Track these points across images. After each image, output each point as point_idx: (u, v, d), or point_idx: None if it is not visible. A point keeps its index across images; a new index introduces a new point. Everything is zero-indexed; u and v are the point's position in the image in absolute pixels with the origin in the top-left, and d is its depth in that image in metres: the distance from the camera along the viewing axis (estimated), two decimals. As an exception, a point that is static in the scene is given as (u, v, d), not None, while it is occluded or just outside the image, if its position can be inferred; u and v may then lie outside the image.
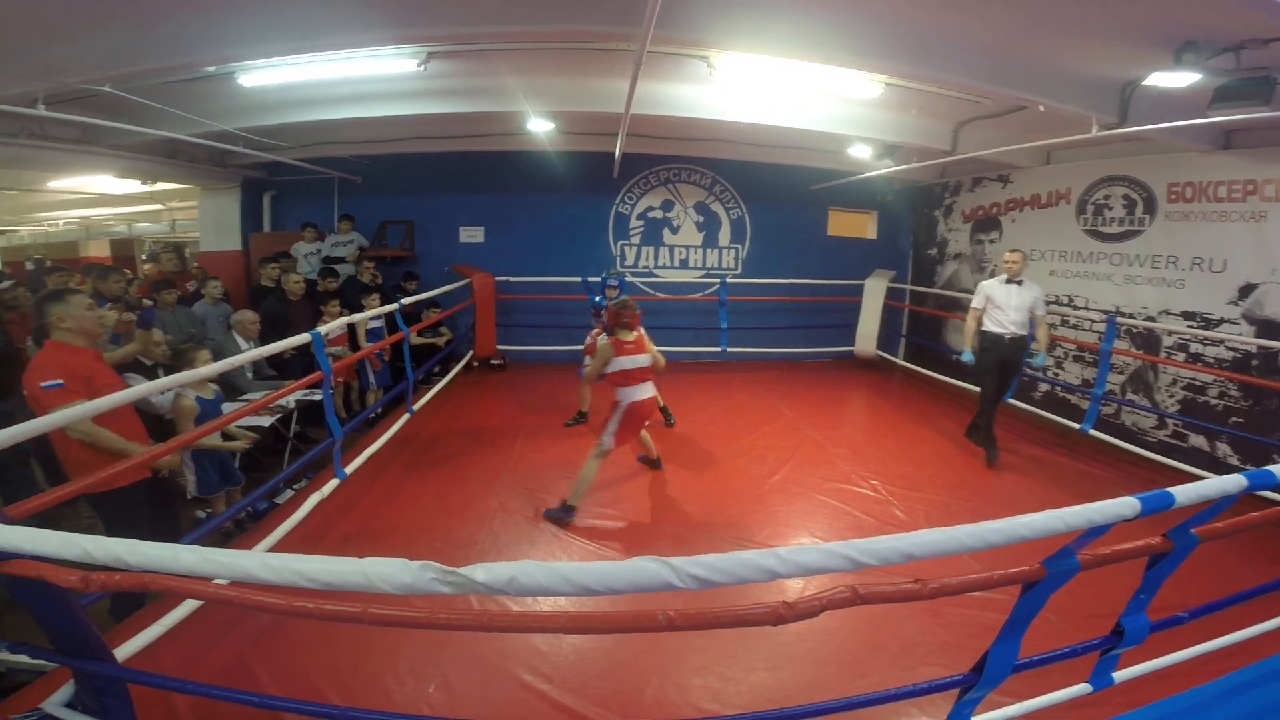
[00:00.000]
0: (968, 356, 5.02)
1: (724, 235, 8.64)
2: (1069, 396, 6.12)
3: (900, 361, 8.51)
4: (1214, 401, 4.85)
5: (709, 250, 8.64)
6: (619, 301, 4.20)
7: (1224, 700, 2.22)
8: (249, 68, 4.45)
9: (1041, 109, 4.21)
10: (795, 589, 2.90)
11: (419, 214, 8.03)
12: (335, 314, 5.27)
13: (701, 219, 8.55)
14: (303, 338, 3.69)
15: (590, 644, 2.67)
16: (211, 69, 4.37)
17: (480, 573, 1.22)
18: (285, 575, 1.26)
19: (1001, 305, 4.81)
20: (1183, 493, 1.56)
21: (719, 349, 8.02)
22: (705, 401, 6.38)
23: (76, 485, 2.21)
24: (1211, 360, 4.85)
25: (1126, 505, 1.48)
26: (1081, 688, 2.07)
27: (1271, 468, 1.70)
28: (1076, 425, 5.41)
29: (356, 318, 4.90)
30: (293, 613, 1.46)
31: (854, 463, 4.85)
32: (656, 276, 8.52)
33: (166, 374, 3.56)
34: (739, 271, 8.66)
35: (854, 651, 2.68)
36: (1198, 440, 4.97)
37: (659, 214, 8.45)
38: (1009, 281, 4.80)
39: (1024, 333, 4.83)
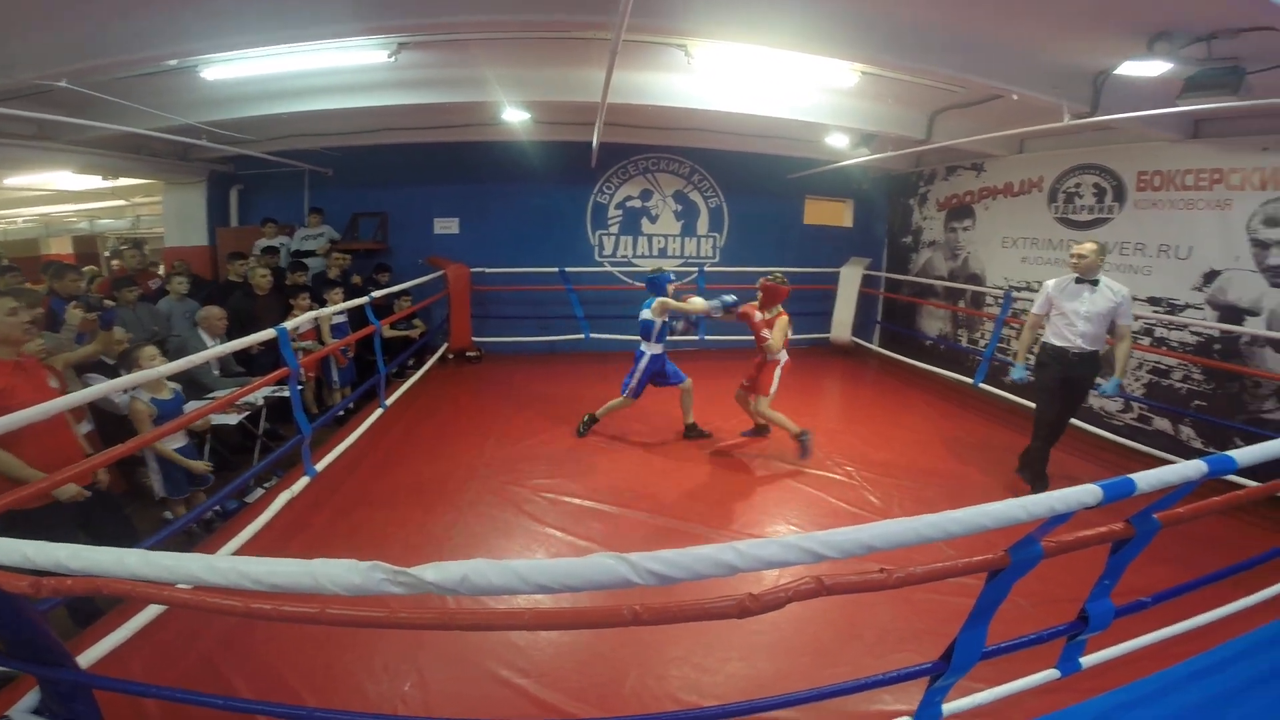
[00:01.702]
0: (1019, 374, 4.21)
1: (702, 224, 8.62)
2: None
3: (875, 348, 8.58)
4: (1178, 385, 4.95)
5: (687, 239, 8.63)
6: (778, 279, 4.60)
7: (1188, 684, 2.27)
8: (212, 61, 4.31)
9: (1015, 98, 4.23)
10: (765, 580, 2.91)
11: (393, 206, 7.88)
12: (305, 308, 5.16)
13: (680, 208, 8.52)
14: (268, 333, 3.60)
15: (568, 638, 2.65)
16: (173, 63, 4.22)
17: (431, 572, 1.20)
18: (232, 578, 1.23)
19: (1068, 312, 3.87)
20: (1144, 479, 1.57)
21: (697, 337, 8.01)
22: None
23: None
24: (1176, 345, 4.95)
25: (1088, 493, 1.49)
26: (1049, 673, 2.10)
27: (1231, 453, 1.72)
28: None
29: (324, 312, 4.81)
30: (250, 614, 1.44)
31: (829, 449, 4.88)
32: (635, 266, 8.48)
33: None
34: (717, 260, 8.66)
35: (827, 640, 2.70)
36: (1162, 424, 5.08)
37: (637, 203, 8.39)
38: (1080, 281, 3.85)
39: (1096, 348, 3.89)
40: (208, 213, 7.46)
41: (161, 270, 6.73)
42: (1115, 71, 3.79)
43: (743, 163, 8.03)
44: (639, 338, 4.89)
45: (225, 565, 1.25)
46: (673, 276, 5.14)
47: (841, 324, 8.46)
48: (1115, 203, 5.44)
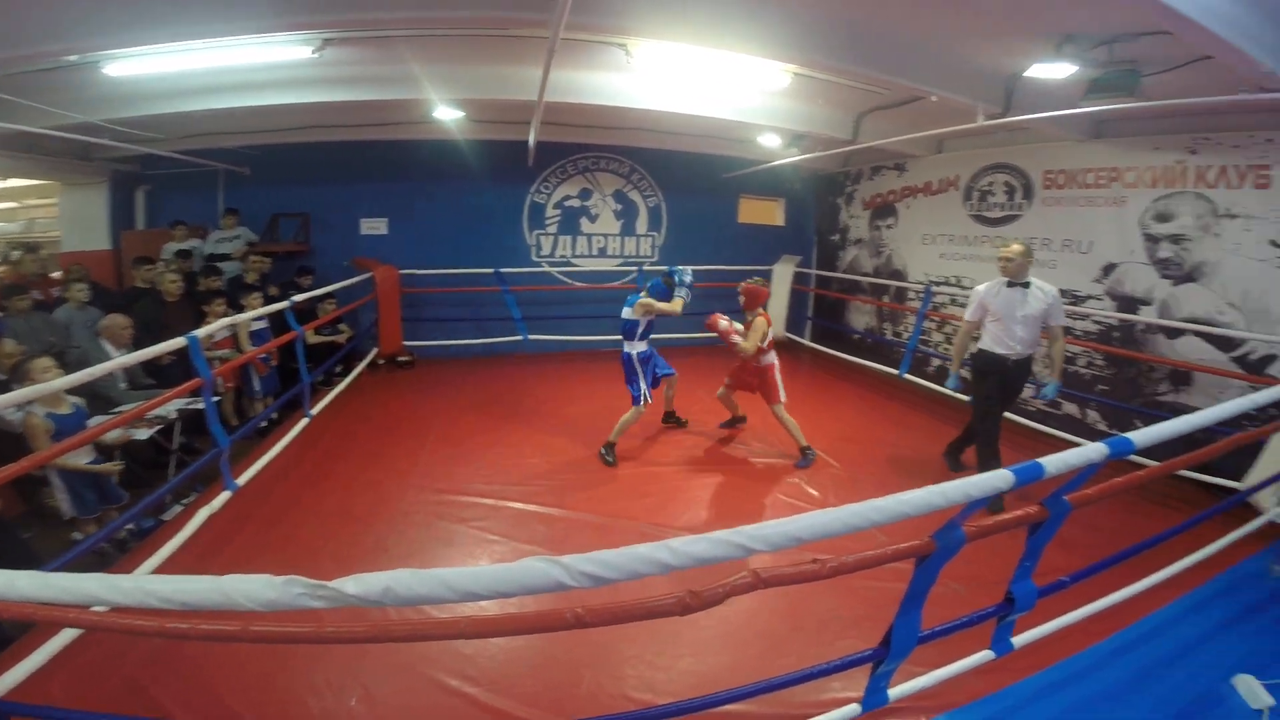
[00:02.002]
0: (953, 383, 4.23)
1: (641, 223, 8.65)
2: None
3: (808, 343, 8.84)
4: (1082, 371, 5.32)
5: (627, 238, 8.63)
6: (759, 282, 4.71)
7: (1116, 658, 2.44)
8: (116, 57, 4.00)
9: (934, 99, 4.42)
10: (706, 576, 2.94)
11: (316, 206, 7.51)
12: (220, 314, 4.86)
13: (620, 207, 8.51)
14: (177, 342, 3.37)
15: (519, 643, 2.61)
16: (73, 58, 3.91)
17: (352, 585, 1.16)
18: (138, 597, 1.17)
19: (1006, 319, 3.75)
20: (1051, 463, 1.66)
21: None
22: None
23: None
24: (1080, 333, 5.31)
25: (1001, 478, 1.56)
26: (985, 654, 2.18)
27: (1130, 435, 1.85)
28: (966, 397, 5.79)
29: (241, 318, 4.54)
30: (166, 634, 1.38)
31: (767, 443, 4.98)
32: (574, 265, 8.42)
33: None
34: (656, 259, 8.69)
35: (775, 631, 2.76)
36: (1070, 408, 5.44)
37: (576, 203, 8.32)
38: (1011, 285, 3.77)
39: (1032, 350, 3.87)
40: (110, 215, 6.91)
41: (58, 276, 6.21)
42: (1025, 74, 4.00)
43: (681, 162, 8.10)
44: (620, 338, 4.68)
45: (129, 584, 1.20)
46: (690, 276, 4.70)
47: (775, 320, 8.64)
48: (1024, 200, 5.78)
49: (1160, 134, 4.62)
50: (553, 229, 8.32)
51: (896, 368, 6.75)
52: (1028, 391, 5.71)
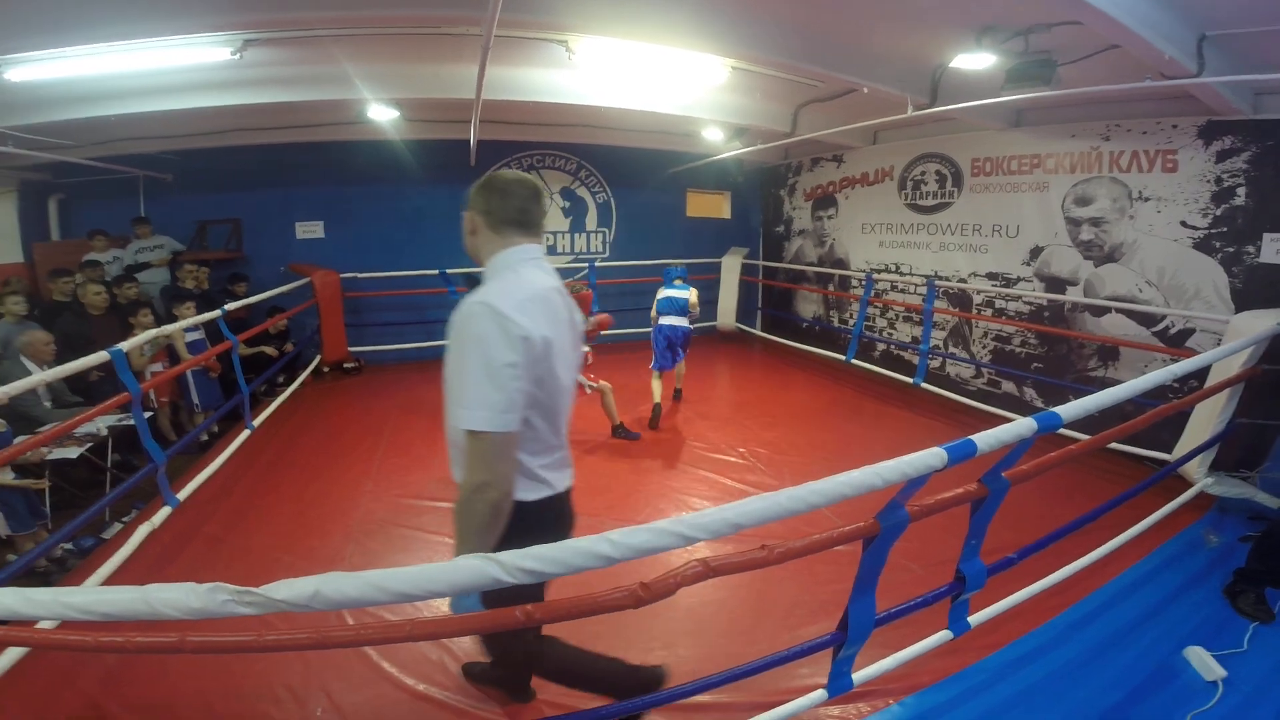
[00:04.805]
0: None
1: (591, 220, 8.61)
2: (902, 354, 6.77)
3: (759, 333, 8.99)
4: (1018, 350, 5.58)
5: (577, 235, 8.59)
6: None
7: (1072, 634, 2.53)
8: (16, 61, 3.72)
9: (865, 91, 4.53)
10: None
11: (246, 211, 7.18)
12: (147, 325, 4.61)
13: (568, 204, 8.45)
14: (98, 356, 3.20)
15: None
16: None
17: (281, 590, 1.12)
18: (55, 609, 1.14)
19: None
20: (983, 440, 1.69)
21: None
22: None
23: None
24: (1013, 314, 5.56)
25: (935, 456, 1.58)
26: (943, 634, 2.22)
27: (1057, 409, 1.94)
28: (910, 380, 6.01)
29: (170, 328, 4.32)
30: (100, 648, 1.33)
31: (723, 432, 5.06)
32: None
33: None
34: (607, 255, 8.68)
35: (743, 619, 2.79)
36: (1009, 386, 5.70)
37: (523, 200, 8.21)
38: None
39: None
40: (20, 226, 6.46)
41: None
42: (950, 65, 4.15)
43: (628, 158, 8.09)
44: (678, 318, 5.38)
45: (45, 597, 1.15)
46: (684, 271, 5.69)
47: (726, 311, 8.78)
48: (955, 188, 6.01)
49: (1076, 121, 4.86)
50: (499, 227, 8.18)
51: (843, 353, 6.94)
52: (967, 372, 5.99)
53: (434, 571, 1.17)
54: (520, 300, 1.43)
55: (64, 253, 6.26)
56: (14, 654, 2.29)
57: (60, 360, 4.13)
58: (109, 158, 5.96)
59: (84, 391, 4.41)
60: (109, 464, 4.18)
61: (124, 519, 3.82)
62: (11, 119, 4.45)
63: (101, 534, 3.68)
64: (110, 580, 2.95)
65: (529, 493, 1.57)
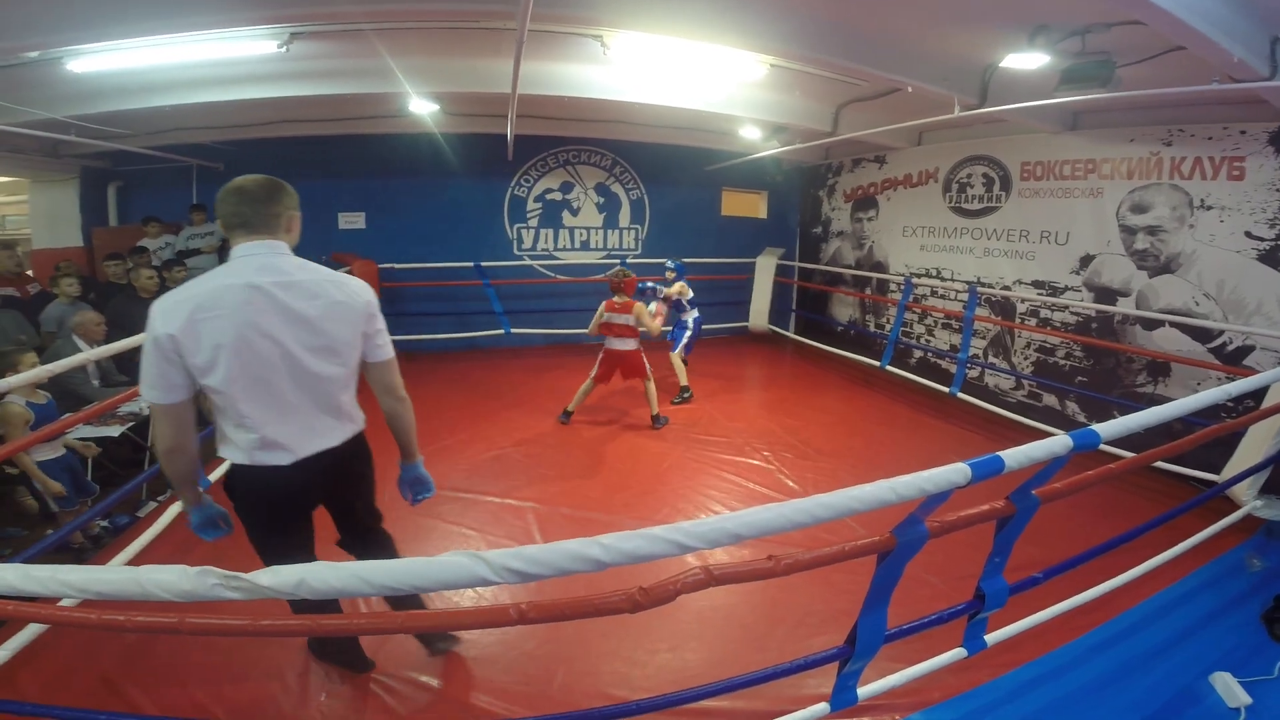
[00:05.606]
0: None
1: (624, 216, 8.59)
2: (940, 361, 6.57)
3: (791, 335, 8.84)
4: (1062, 362, 5.35)
5: (610, 231, 8.58)
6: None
7: (1093, 655, 2.42)
8: (79, 53, 3.90)
9: (910, 90, 4.40)
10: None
11: (292, 199, 7.40)
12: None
13: (602, 200, 8.45)
14: (142, 337, 3.29)
15: (492, 637, 2.58)
16: (34, 55, 3.82)
17: (267, 577, 1.15)
18: (52, 586, 1.18)
19: None
20: (1011, 457, 1.60)
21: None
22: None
23: None
24: (1059, 324, 5.33)
25: (957, 472, 1.50)
26: (957, 652, 2.13)
27: (1096, 427, 1.83)
28: (946, 389, 5.82)
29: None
30: (104, 626, 1.44)
31: (748, 435, 4.98)
32: (557, 259, 8.36)
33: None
34: (639, 252, 8.65)
35: (753, 625, 2.74)
36: (1050, 400, 5.47)
37: (558, 196, 8.25)
38: None
39: None
40: (81, 212, 6.77)
41: (30, 273, 6.09)
42: (1000, 65, 3.98)
43: (663, 155, 8.04)
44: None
45: (45, 574, 1.19)
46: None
47: (759, 312, 8.66)
48: (1003, 192, 5.79)
49: (1135, 125, 4.62)
50: (534, 222, 8.25)
51: (878, 359, 6.77)
52: (1006, 383, 5.77)
53: (418, 566, 1.18)
54: (174, 301, 1.74)
55: (120, 238, 6.55)
56: (31, 631, 2.37)
57: (111, 341, 4.33)
58: (164, 146, 6.20)
59: (131, 371, 4.59)
60: (150, 442, 4.34)
61: (159, 497, 3.94)
62: (74, 109, 4.66)
63: (136, 512, 3.78)
64: (139, 558, 3.02)
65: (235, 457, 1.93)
